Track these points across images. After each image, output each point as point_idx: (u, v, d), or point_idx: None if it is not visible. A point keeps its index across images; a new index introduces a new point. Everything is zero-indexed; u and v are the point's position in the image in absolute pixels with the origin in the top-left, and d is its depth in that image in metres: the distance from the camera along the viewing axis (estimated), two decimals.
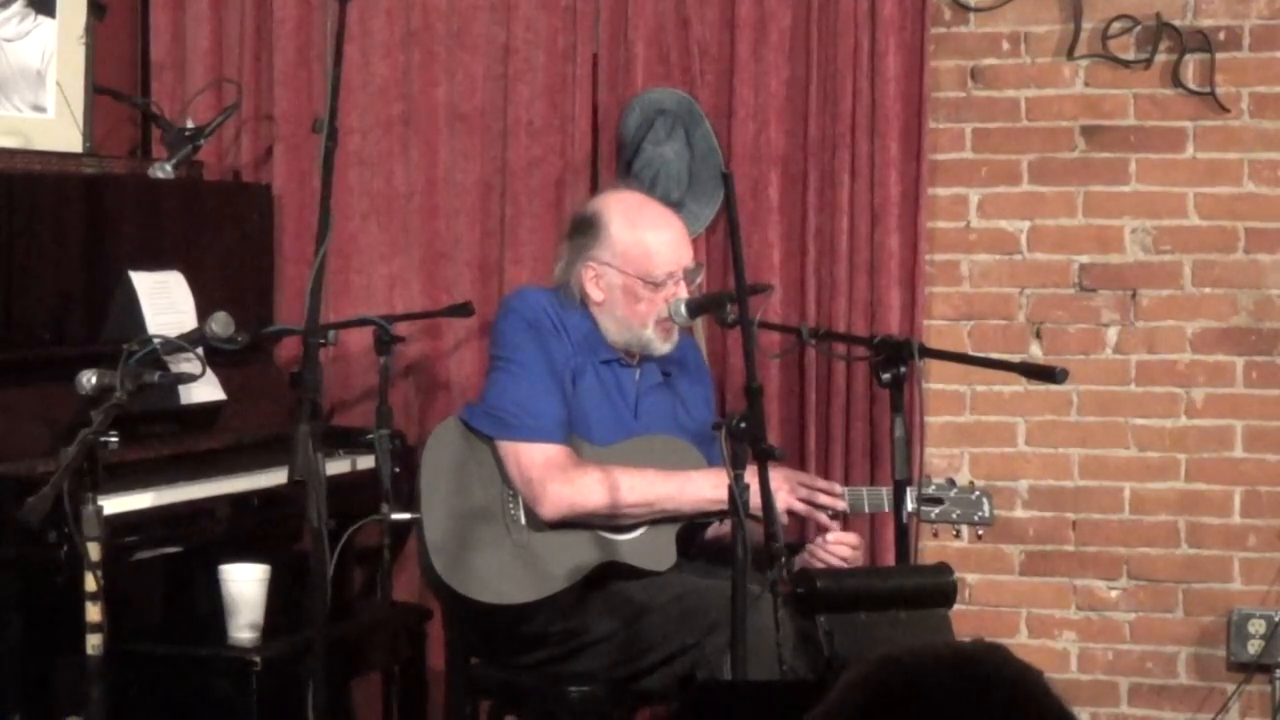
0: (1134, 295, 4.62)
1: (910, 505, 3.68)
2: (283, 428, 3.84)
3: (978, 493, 3.77)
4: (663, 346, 3.78)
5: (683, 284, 3.77)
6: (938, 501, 3.75)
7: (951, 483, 3.80)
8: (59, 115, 4.39)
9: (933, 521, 3.76)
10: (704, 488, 3.64)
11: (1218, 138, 4.56)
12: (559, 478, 3.64)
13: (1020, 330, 4.68)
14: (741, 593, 3.06)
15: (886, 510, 3.74)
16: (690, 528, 3.75)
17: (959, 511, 3.75)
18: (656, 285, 3.74)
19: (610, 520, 3.66)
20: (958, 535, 3.83)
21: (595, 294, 3.77)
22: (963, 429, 4.70)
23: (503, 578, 3.61)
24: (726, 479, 3.53)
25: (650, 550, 3.63)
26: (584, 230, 3.82)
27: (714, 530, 3.79)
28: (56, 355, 3.89)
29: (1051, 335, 4.66)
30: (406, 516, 3.94)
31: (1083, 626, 4.68)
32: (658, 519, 3.67)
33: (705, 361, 4.10)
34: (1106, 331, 4.64)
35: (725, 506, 3.55)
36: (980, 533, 3.83)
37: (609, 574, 3.64)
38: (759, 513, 3.11)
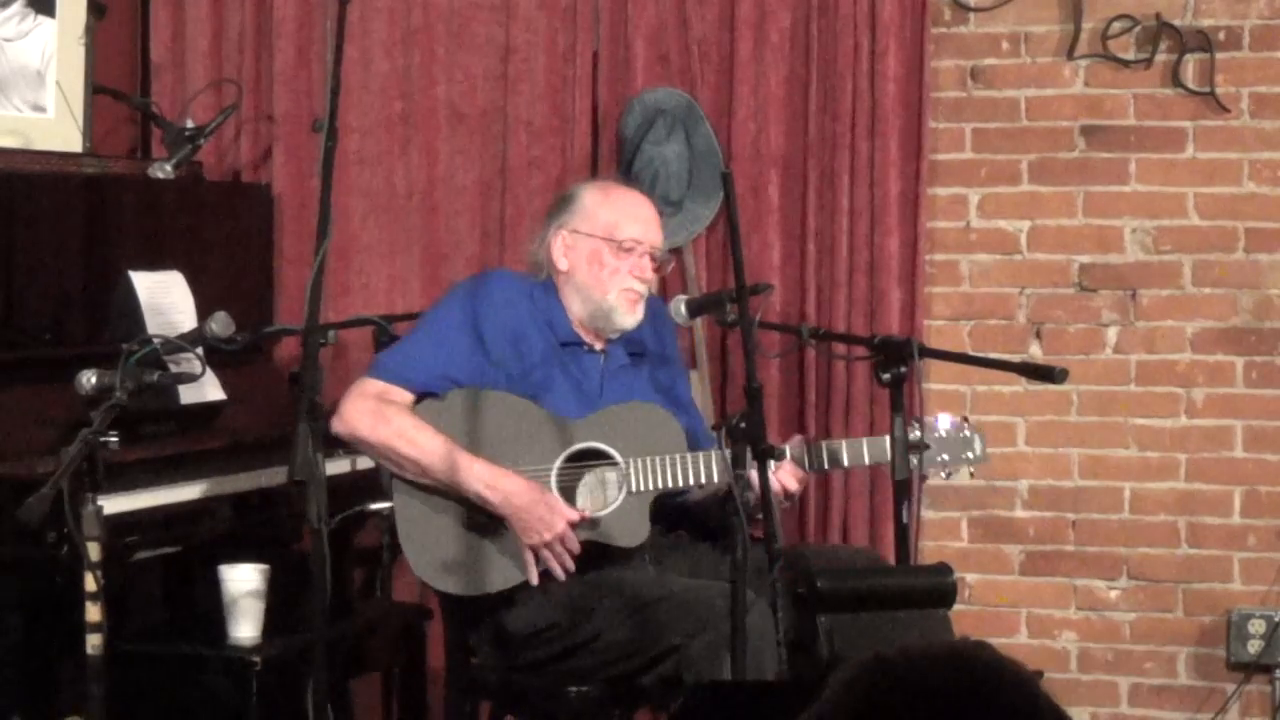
0: (1134, 295, 4.62)
1: (886, 453, 3.57)
2: (283, 428, 3.83)
3: (967, 430, 3.64)
4: (626, 318, 3.73)
5: (648, 261, 3.74)
6: (923, 447, 3.57)
7: (939, 421, 3.62)
8: (59, 115, 4.39)
9: (920, 467, 3.58)
10: (477, 484, 3.58)
11: (1218, 138, 4.56)
12: (366, 405, 3.64)
13: (1020, 330, 4.68)
14: (741, 593, 3.06)
15: (868, 464, 3.66)
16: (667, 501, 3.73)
17: (947, 454, 3.63)
18: (621, 249, 3.72)
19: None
20: (948, 477, 3.70)
21: (562, 263, 3.76)
22: None
23: (472, 565, 3.60)
24: (502, 483, 3.56)
25: (624, 527, 3.61)
26: (558, 204, 3.86)
27: (694, 497, 3.76)
28: (56, 355, 3.88)
29: (1051, 335, 4.66)
30: (385, 505, 3.93)
31: (1083, 626, 4.68)
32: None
33: (668, 319, 3.91)
34: (1106, 331, 4.64)
35: (488, 506, 3.57)
36: (972, 471, 3.72)
37: (582, 553, 3.62)
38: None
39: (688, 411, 3.80)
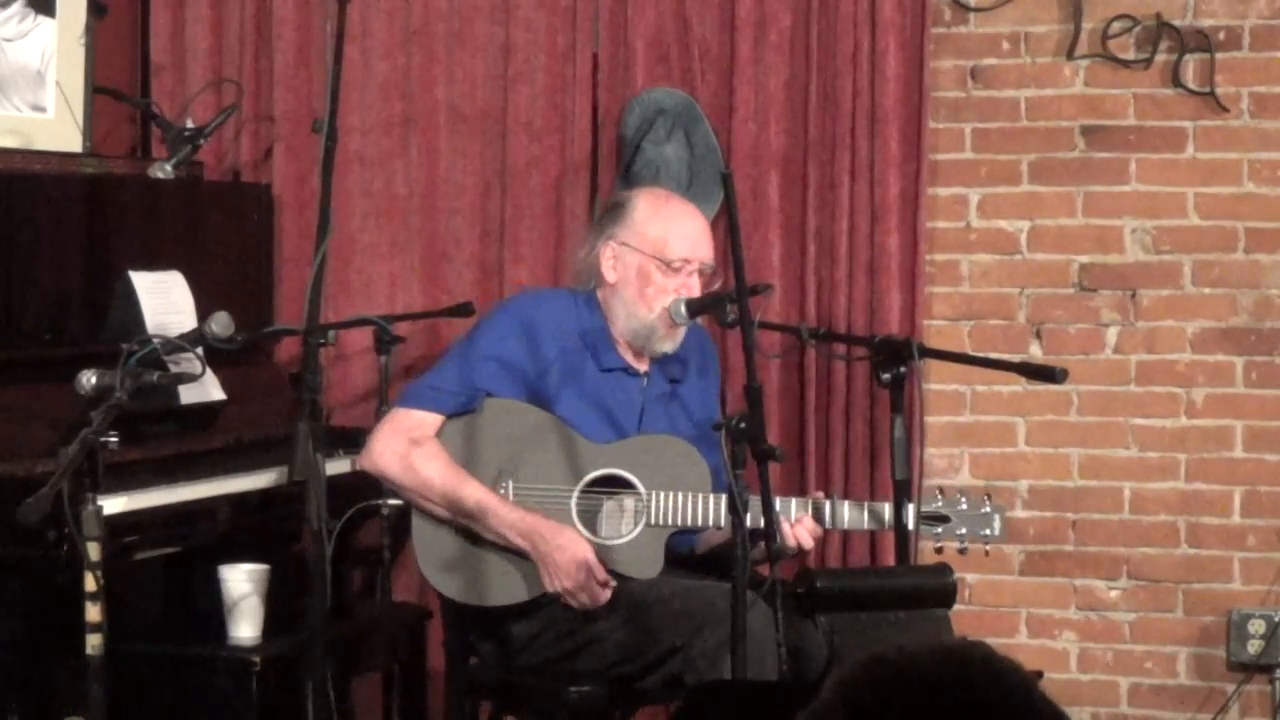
0: (1134, 295, 4.62)
1: (910, 522, 3.61)
2: (283, 428, 3.84)
3: (988, 507, 3.66)
4: (665, 343, 3.74)
5: (696, 278, 3.74)
6: (943, 519, 3.65)
7: (962, 495, 3.69)
8: (59, 115, 4.39)
9: (937, 538, 3.67)
10: (503, 530, 3.59)
11: (1218, 138, 4.56)
12: (396, 446, 3.65)
13: (1020, 330, 4.68)
14: (742, 593, 3.06)
15: (886, 529, 3.69)
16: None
17: (965, 529, 3.65)
18: (670, 268, 3.71)
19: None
20: (963, 553, 3.75)
21: (609, 274, 3.75)
22: (963, 429, 4.70)
23: (488, 580, 3.60)
24: (527, 531, 3.57)
25: (638, 557, 3.61)
26: (610, 212, 3.85)
27: (709, 539, 3.76)
28: (56, 355, 3.88)
29: (1051, 335, 4.66)
30: (398, 502, 3.94)
31: (1083, 626, 4.68)
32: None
33: (715, 355, 4.03)
34: (1106, 331, 4.64)
35: (519, 549, 3.58)
36: (987, 549, 3.77)
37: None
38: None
39: (717, 448, 3.77)
